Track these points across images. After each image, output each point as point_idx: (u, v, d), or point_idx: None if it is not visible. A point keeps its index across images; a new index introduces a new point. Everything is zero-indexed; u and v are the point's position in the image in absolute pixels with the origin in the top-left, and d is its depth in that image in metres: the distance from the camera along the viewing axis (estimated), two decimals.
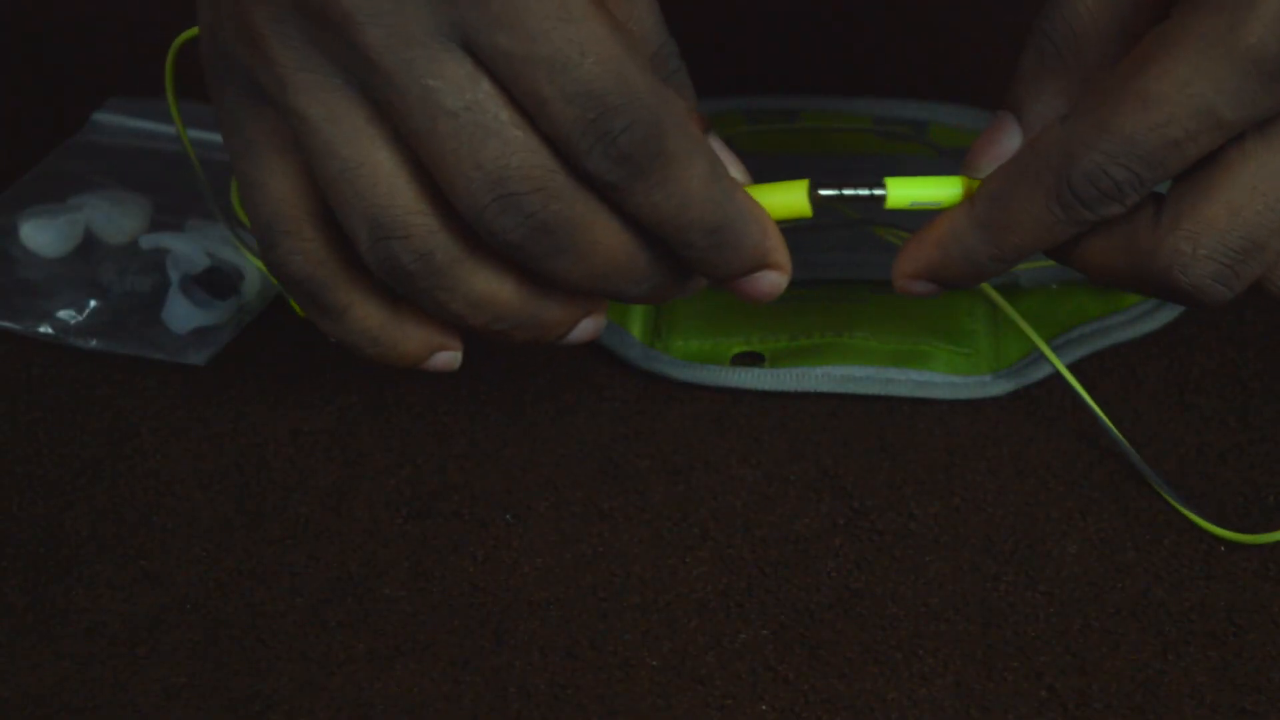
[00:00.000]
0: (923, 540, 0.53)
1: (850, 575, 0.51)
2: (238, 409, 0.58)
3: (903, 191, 0.48)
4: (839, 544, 0.53)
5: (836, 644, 0.49)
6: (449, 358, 0.50)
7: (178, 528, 0.53)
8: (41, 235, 0.63)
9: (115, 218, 0.64)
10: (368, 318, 0.49)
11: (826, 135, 0.68)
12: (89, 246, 0.64)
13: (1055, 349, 0.58)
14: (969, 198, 0.48)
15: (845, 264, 0.62)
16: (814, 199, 0.48)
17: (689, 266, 0.47)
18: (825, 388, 0.58)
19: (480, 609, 0.50)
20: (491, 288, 0.47)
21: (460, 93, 0.43)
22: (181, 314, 0.60)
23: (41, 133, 0.71)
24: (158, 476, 0.55)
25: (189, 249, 0.62)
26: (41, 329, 0.60)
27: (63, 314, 0.61)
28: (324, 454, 0.56)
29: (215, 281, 0.61)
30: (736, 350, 0.59)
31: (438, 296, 0.46)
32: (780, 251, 0.47)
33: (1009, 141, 0.48)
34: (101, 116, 0.72)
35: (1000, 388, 0.58)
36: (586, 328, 0.49)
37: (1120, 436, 0.55)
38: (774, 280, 0.48)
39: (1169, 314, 0.60)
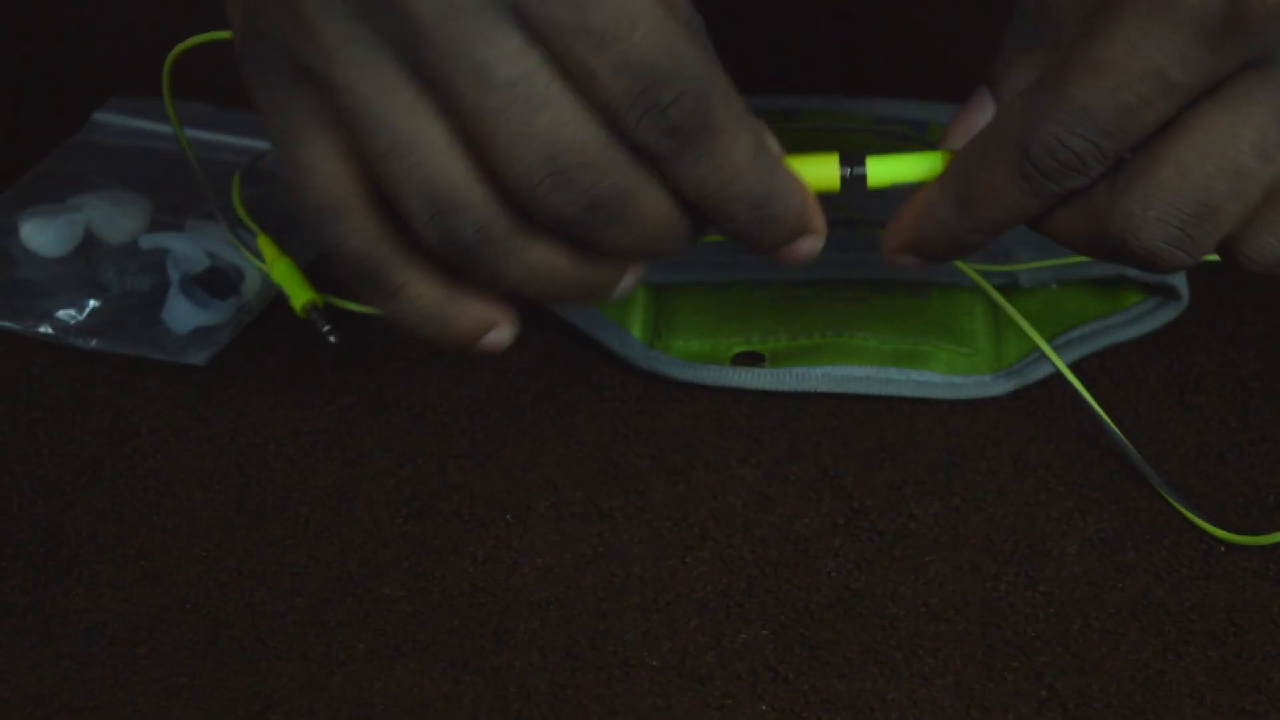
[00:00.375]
0: (923, 540, 0.53)
1: (850, 575, 0.51)
2: (238, 409, 0.58)
3: (883, 169, 0.48)
4: (839, 544, 0.53)
5: (836, 644, 0.49)
6: (499, 336, 0.49)
7: (178, 528, 0.53)
8: (41, 235, 0.63)
9: (115, 218, 0.64)
10: (423, 296, 0.48)
11: (826, 135, 0.68)
12: (89, 246, 0.64)
13: (1055, 349, 0.58)
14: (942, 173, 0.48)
15: (845, 264, 0.62)
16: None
17: (728, 236, 0.47)
18: (825, 388, 0.58)
19: (480, 609, 0.50)
20: (548, 255, 0.46)
21: (512, 64, 0.43)
22: (181, 314, 0.60)
23: (41, 133, 0.71)
24: (158, 476, 0.55)
25: (189, 249, 0.61)
26: (41, 329, 0.60)
27: (63, 314, 0.61)
28: (324, 454, 0.56)
29: (215, 281, 0.60)
30: (736, 350, 0.59)
31: (497, 268, 0.46)
32: (818, 217, 0.47)
33: (982, 114, 0.48)
34: (101, 116, 0.72)
35: (1000, 388, 0.58)
36: (628, 283, 0.49)
37: (1120, 436, 0.55)
38: (811, 244, 0.48)
39: (1169, 314, 0.60)
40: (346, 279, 0.48)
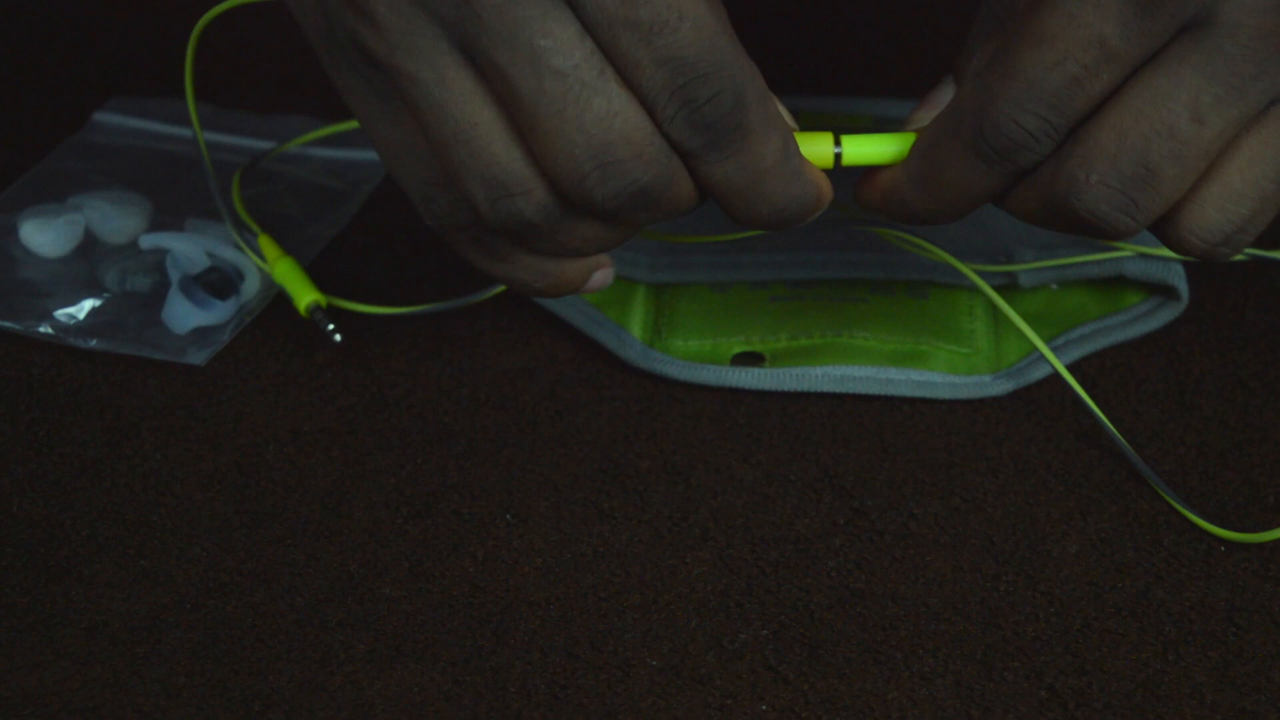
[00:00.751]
0: (923, 540, 0.53)
1: (850, 575, 0.51)
2: (238, 409, 0.58)
3: (856, 148, 0.49)
4: (839, 544, 0.53)
5: (836, 644, 0.49)
6: (604, 275, 0.51)
7: (178, 528, 0.53)
8: (41, 235, 0.63)
9: (115, 218, 0.64)
10: (533, 254, 0.49)
11: None
12: (89, 246, 0.64)
13: (1055, 349, 0.58)
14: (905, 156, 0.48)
15: (845, 264, 0.62)
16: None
17: (742, 225, 0.48)
18: (825, 388, 0.58)
19: (480, 609, 0.50)
20: (591, 227, 0.47)
21: (569, 52, 0.43)
22: (181, 314, 0.60)
23: (41, 133, 0.71)
24: (158, 476, 0.55)
25: (189, 249, 0.62)
26: (41, 329, 0.60)
27: (63, 314, 0.61)
28: (324, 454, 0.56)
29: (215, 281, 0.60)
30: (736, 350, 0.59)
31: (559, 239, 0.47)
32: (829, 191, 0.48)
33: (943, 96, 0.49)
34: (101, 116, 0.72)
35: (1000, 388, 0.58)
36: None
37: (1120, 436, 0.55)
38: (819, 214, 0.48)
39: (1169, 314, 0.60)
40: (457, 248, 0.49)
